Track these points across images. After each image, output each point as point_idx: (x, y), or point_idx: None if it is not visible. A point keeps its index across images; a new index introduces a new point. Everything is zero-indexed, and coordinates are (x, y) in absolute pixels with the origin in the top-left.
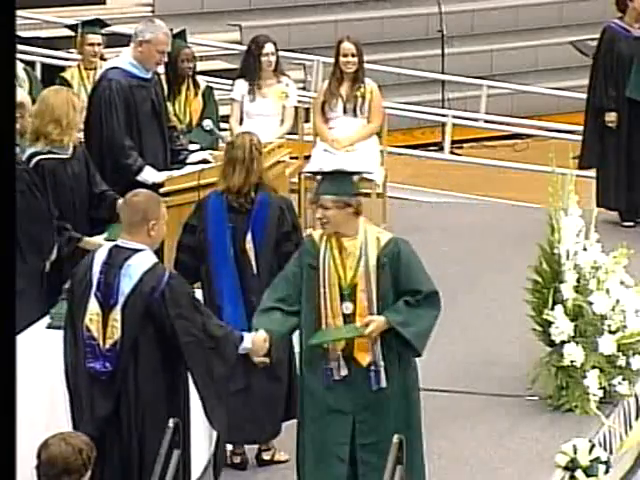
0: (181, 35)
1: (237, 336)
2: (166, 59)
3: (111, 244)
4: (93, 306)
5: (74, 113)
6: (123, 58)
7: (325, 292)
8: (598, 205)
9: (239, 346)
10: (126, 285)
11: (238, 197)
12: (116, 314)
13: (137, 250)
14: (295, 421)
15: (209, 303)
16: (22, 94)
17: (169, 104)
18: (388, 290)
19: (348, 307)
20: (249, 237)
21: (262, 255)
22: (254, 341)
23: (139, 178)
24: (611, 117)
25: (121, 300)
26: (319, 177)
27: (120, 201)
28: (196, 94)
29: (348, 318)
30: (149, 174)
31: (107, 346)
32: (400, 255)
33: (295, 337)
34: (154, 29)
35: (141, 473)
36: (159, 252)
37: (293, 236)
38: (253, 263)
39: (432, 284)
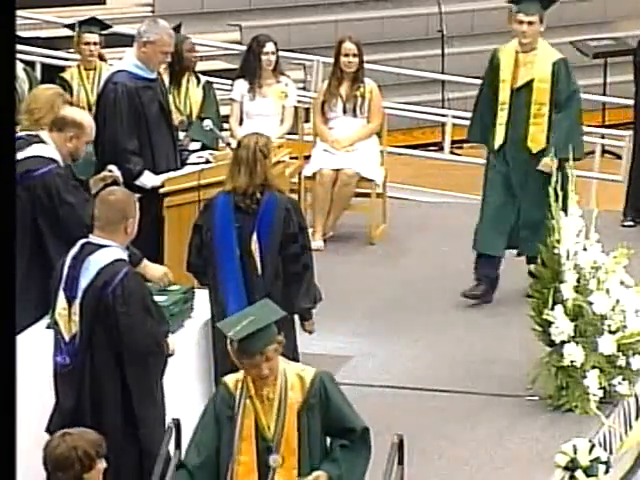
0: (177, 29)
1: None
2: (169, 59)
3: (84, 240)
4: (61, 300)
5: (48, 114)
6: (127, 60)
7: (241, 446)
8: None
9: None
10: (84, 280)
11: (244, 198)
12: (76, 308)
13: (103, 246)
14: None
15: (215, 302)
16: (84, 115)
17: (170, 96)
18: (316, 434)
19: (275, 460)
20: (255, 237)
21: (267, 256)
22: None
23: (138, 182)
24: None
25: (79, 294)
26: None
27: None
28: (197, 86)
29: (269, 471)
30: (148, 179)
31: (67, 339)
32: (328, 394)
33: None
34: (158, 30)
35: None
36: (159, 250)
37: (299, 237)
38: (258, 264)
39: (361, 419)
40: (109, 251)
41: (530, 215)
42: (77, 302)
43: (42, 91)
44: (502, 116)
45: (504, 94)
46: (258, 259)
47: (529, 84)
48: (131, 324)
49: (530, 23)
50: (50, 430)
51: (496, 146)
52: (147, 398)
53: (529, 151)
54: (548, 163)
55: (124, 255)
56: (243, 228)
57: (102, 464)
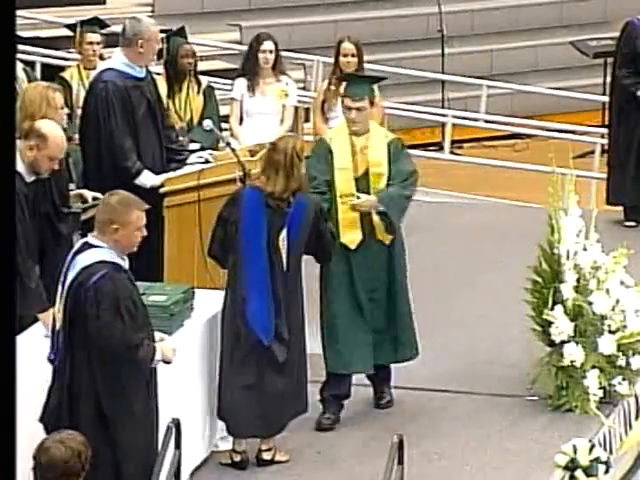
0: (181, 32)
1: (152, 348)
2: (159, 45)
3: (84, 239)
4: (58, 296)
5: (47, 109)
6: (116, 59)
7: None
8: (608, 202)
9: (154, 358)
10: (69, 278)
11: (277, 200)
12: (61, 305)
13: (94, 246)
14: (296, 422)
15: (231, 295)
16: (54, 130)
17: (169, 101)
18: None
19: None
20: (284, 234)
21: (294, 253)
22: (162, 349)
23: (137, 182)
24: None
25: (64, 293)
26: None
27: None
28: (198, 92)
29: None
30: (147, 178)
31: (54, 336)
32: None
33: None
34: (147, 26)
35: None
36: (159, 250)
37: (331, 233)
38: (284, 260)
39: None
40: (96, 252)
41: (387, 316)
42: (63, 300)
43: (32, 92)
44: (348, 210)
45: (347, 184)
46: (285, 256)
47: (367, 171)
48: (99, 327)
49: (359, 109)
50: (44, 422)
51: (353, 245)
52: (117, 400)
53: (382, 243)
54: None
55: (113, 258)
56: (272, 224)
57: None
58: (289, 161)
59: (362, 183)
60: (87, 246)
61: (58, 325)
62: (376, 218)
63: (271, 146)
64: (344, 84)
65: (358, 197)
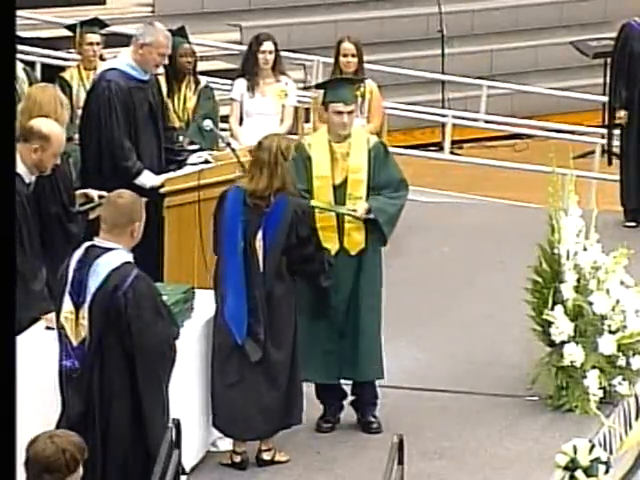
0: (181, 32)
1: None
2: (166, 61)
3: (88, 243)
4: (67, 304)
5: (61, 110)
6: (121, 59)
7: None
8: (622, 205)
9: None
10: (93, 283)
11: (257, 197)
12: (84, 312)
13: (110, 249)
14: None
15: (216, 293)
16: (52, 127)
17: (169, 101)
18: None
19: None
20: (260, 235)
21: (270, 255)
22: None
23: (137, 182)
24: (620, 115)
25: (88, 298)
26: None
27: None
28: (195, 91)
29: None
30: (147, 178)
31: (76, 344)
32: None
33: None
34: (154, 32)
35: (104, 473)
36: (159, 250)
37: (313, 239)
38: (260, 261)
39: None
40: (117, 254)
41: (361, 331)
42: (86, 306)
43: (42, 95)
44: (325, 220)
45: (324, 193)
46: (261, 256)
47: (346, 178)
48: (143, 327)
49: (350, 112)
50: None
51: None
52: (156, 401)
53: (348, 254)
54: (365, 207)
55: (130, 258)
56: (250, 224)
57: (81, 470)
58: (273, 159)
59: (340, 191)
60: (101, 249)
61: (70, 331)
62: (356, 224)
63: (257, 145)
64: (328, 90)
65: (354, 210)
